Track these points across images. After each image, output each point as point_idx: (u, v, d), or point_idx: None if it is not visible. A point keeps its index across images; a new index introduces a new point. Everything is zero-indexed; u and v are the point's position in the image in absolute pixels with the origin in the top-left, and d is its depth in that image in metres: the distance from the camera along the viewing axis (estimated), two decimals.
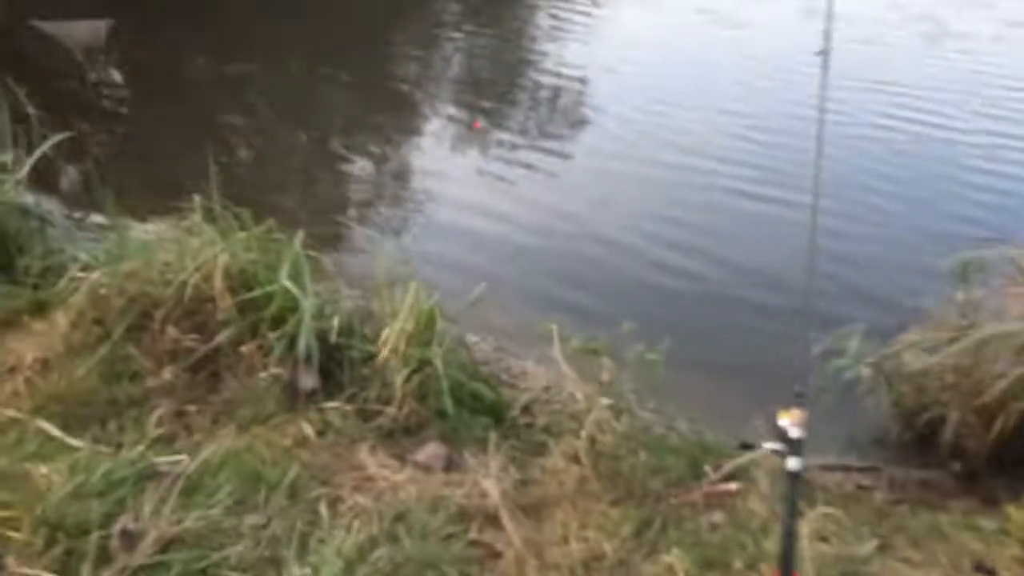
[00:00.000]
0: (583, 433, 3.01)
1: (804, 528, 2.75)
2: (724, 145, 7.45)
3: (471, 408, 3.34)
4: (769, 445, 2.22)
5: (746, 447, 2.35)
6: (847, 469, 3.83)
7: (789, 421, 2.19)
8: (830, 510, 2.70)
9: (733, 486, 3.05)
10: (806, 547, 2.61)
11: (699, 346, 4.24)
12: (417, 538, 2.55)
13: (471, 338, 4.22)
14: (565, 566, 2.51)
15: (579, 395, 3.11)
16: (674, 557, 2.53)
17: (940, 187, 6.77)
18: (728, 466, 3.10)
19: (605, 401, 3.03)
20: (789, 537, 2.12)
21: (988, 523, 3.00)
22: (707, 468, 3.10)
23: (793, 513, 2.13)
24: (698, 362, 3.97)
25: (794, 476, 2.16)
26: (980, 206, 6.42)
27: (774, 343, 4.33)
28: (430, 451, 3.06)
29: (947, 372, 3.79)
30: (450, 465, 3.04)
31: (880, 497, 3.55)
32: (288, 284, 3.17)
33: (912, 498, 3.57)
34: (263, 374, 3.20)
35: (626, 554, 2.59)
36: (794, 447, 2.17)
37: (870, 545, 2.77)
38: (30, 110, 4.64)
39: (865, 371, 3.86)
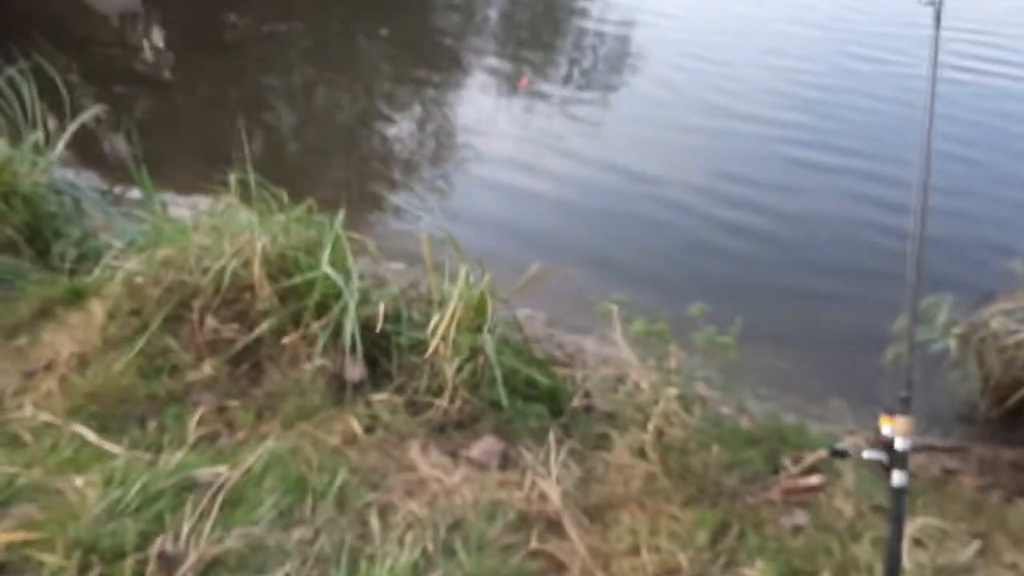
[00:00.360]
0: (650, 426, 2.78)
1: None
2: (784, 95, 7.04)
3: (526, 396, 3.13)
4: (869, 454, 1.97)
5: (838, 454, 2.10)
6: (932, 449, 3.56)
7: (893, 429, 1.94)
8: (928, 519, 2.44)
9: (815, 480, 2.81)
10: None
11: (772, 319, 3.96)
12: (474, 551, 2.37)
13: (523, 312, 4.03)
14: None
15: (644, 384, 2.87)
16: (757, 571, 2.31)
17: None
18: (809, 458, 2.86)
19: (673, 391, 2.78)
20: (894, 560, 1.88)
21: None
22: (785, 461, 2.87)
23: (898, 536, 1.88)
24: (771, 337, 3.70)
25: (899, 492, 1.91)
26: None
27: (859, 318, 4.08)
28: (485, 446, 2.86)
29: None
30: (506, 461, 2.84)
31: (970, 484, 3.29)
32: (330, 271, 2.96)
33: (1004, 484, 3.31)
34: (307, 365, 3.01)
35: (703, 566, 2.38)
36: (898, 459, 1.92)
37: (971, 549, 2.51)
38: (66, 78, 4.48)
39: (953, 343, 3.57)
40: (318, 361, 3.03)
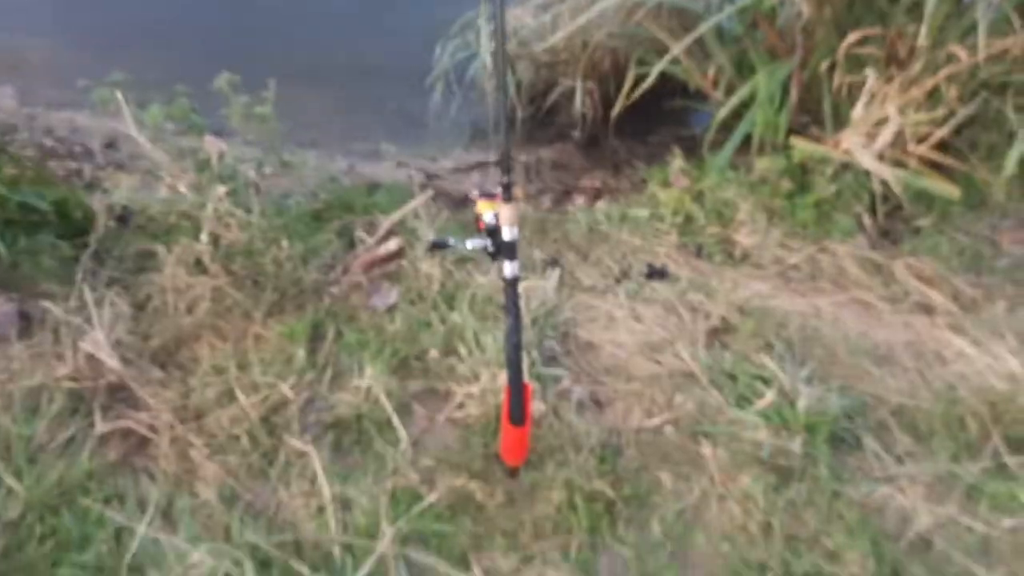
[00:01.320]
0: (203, 234, 2.31)
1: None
2: None
3: (27, 224, 2.42)
4: (474, 243, 1.77)
5: (438, 246, 1.88)
6: (481, 166, 3.57)
7: (496, 215, 1.74)
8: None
9: (393, 245, 2.61)
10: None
11: (298, 61, 3.48)
12: (25, 464, 1.83)
13: None
14: (242, 431, 1.98)
15: (183, 187, 2.33)
16: (368, 378, 2.10)
17: None
18: (384, 226, 2.63)
19: (222, 188, 2.30)
20: (517, 350, 1.77)
21: (640, 212, 2.92)
22: (361, 233, 2.61)
23: (518, 328, 1.76)
24: (300, 81, 3.25)
25: (513, 282, 1.76)
26: None
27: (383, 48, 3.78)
28: None
29: (566, 47, 3.54)
30: (29, 325, 2.21)
31: (520, 195, 3.37)
32: None
33: (551, 187, 3.45)
34: None
35: (310, 389, 2.11)
36: (507, 249, 1.74)
37: (553, 278, 2.56)
38: None
39: (488, 57, 3.46)
40: None
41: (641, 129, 3.72)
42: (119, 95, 2.35)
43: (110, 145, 3.16)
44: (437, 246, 1.88)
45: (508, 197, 1.73)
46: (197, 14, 4.12)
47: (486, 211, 1.76)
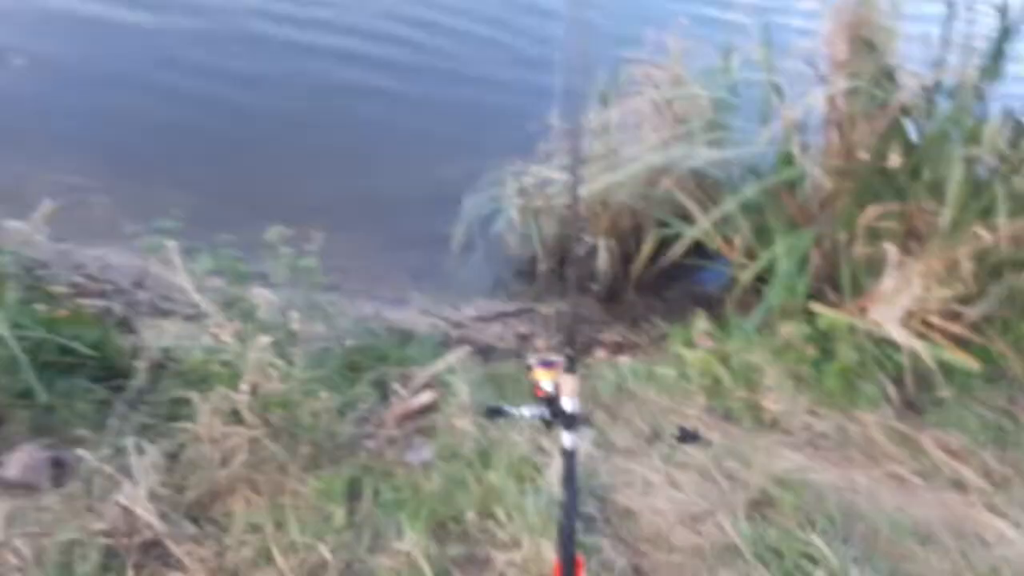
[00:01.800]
0: (243, 384, 2.30)
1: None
2: None
3: (62, 367, 2.41)
4: (532, 413, 1.77)
5: (495, 413, 1.89)
6: (503, 316, 3.62)
7: (557, 385, 1.75)
8: None
9: (426, 397, 2.61)
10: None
11: (342, 216, 3.58)
12: None
13: (12, 227, 3.13)
14: None
15: (227, 336, 2.34)
16: (408, 542, 2.06)
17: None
18: (419, 379, 2.64)
19: (266, 339, 2.31)
20: (570, 521, 1.75)
21: (667, 371, 2.96)
22: (395, 385, 2.62)
23: (575, 502, 1.75)
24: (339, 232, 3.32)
25: (571, 455, 1.76)
26: None
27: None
28: (25, 460, 2.16)
29: (587, 204, 3.66)
30: (61, 473, 2.17)
31: (543, 344, 3.41)
32: None
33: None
34: None
35: (348, 551, 2.06)
36: (569, 421, 1.75)
37: (587, 438, 2.55)
38: None
39: (515, 212, 3.57)
40: None
41: (657, 284, 3.80)
42: (169, 244, 2.38)
43: (139, 284, 3.18)
44: (494, 413, 1.88)
45: (572, 368, 1.75)
46: (226, 157, 4.22)
47: (544, 379, 1.77)
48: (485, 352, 3.25)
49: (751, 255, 3.36)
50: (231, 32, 5.34)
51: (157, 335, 2.54)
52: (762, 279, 3.25)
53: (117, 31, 5.17)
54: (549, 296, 3.77)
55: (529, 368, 1.79)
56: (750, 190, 3.16)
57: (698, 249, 3.56)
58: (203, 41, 5.16)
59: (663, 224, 3.53)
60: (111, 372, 2.47)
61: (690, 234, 3.13)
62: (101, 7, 5.29)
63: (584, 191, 3.49)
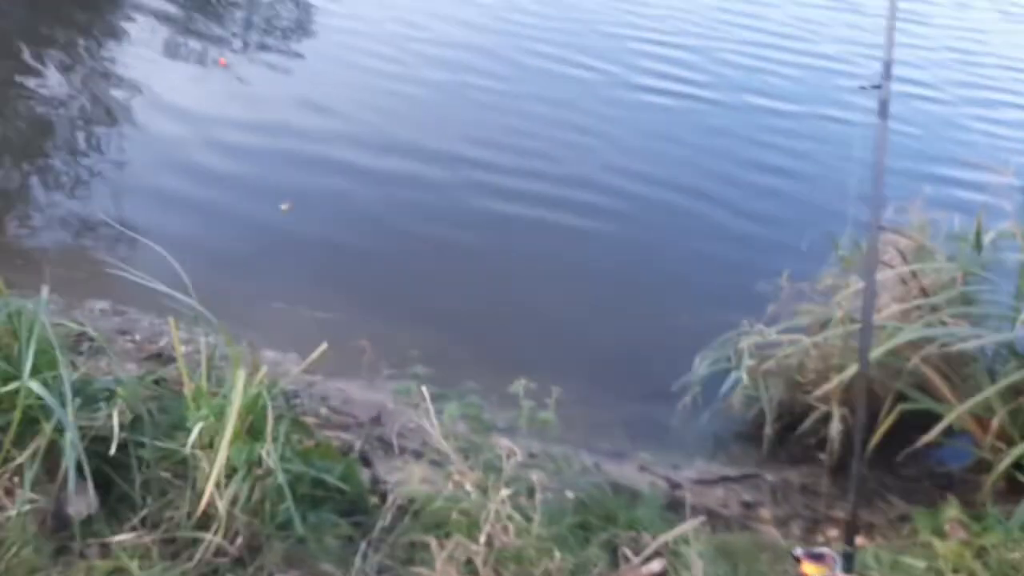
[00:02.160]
0: (481, 535, 2.33)
1: None
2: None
3: (313, 499, 2.53)
4: None
5: None
6: (726, 480, 3.50)
7: None
8: None
9: (657, 567, 2.53)
10: None
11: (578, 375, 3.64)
12: None
13: (268, 357, 3.39)
14: None
15: (468, 485, 2.39)
16: None
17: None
18: (652, 546, 2.58)
19: (505, 492, 2.34)
20: None
21: (915, 562, 2.72)
22: (625, 549, 2.56)
23: None
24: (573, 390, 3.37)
25: None
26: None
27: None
28: None
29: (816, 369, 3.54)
30: None
31: (769, 515, 3.27)
32: (35, 386, 2.11)
33: (800, 512, 3.32)
34: (12, 510, 2.16)
35: None
36: None
37: None
38: None
39: (745, 374, 3.50)
40: (30, 495, 2.20)
41: (889, 458, 3.56)
42: (423, 389, 2.50)
43: (376, 420, 3.33)
44: None
45: (849, 567, 1.65)
46: (467, 308, 4.37)
47: (814, 574, 1.69)
48: (709, 518, 3.13)
49: (1006, 437, 3.11)
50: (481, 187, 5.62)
51: (399, 475, 2.63)
52: (1019, 466, 2.99)
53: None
54: (772, 462, 3.64)
55: (797, 560, 1.71)
56: (1017, 375, 2.95)
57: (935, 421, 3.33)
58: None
59: (904, 397, 3.34)
60: (354, 507, 2.58)
61: (949, 417, 2.94)
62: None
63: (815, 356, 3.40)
